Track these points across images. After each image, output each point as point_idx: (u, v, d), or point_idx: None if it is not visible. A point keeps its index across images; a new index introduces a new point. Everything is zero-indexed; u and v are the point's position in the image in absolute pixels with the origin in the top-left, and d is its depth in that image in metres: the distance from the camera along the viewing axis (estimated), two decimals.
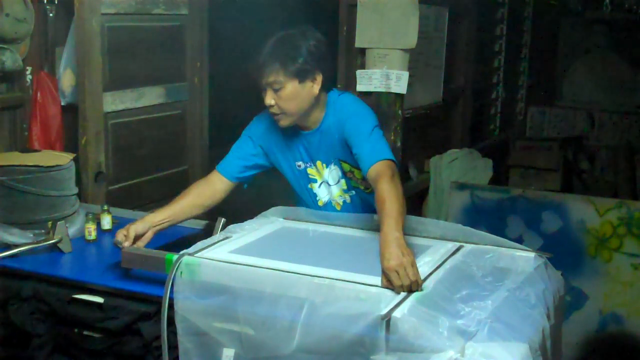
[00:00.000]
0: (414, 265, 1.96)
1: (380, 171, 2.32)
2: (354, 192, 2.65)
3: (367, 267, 2.07)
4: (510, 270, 2.19)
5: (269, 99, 2.46)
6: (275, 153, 2.66)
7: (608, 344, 3.79)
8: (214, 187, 2.65)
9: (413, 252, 2.03)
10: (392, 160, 2.40)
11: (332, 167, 2.62)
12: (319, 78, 2.48)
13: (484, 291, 2.02)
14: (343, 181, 2.64)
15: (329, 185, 2.65)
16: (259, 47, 2.48)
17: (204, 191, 2.65)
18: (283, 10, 5.29)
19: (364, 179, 2.51)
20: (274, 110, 2.48)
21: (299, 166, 2.65)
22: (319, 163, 2.62)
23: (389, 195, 2.20)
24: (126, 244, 2.34)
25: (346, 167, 2.59)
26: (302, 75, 2.44)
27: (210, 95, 4.20)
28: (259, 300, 1.93)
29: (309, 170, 2.64)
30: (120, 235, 2.37)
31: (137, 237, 2.40)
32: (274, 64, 2.41)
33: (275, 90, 2.44)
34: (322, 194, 2.67)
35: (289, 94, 2.44)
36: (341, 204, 2.67)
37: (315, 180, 2.66)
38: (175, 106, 4.00)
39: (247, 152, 2.67)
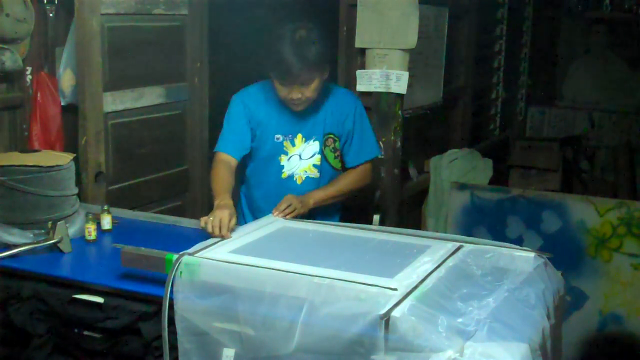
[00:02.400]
0: (294, 209, 2.65)
1: (358, 169, 2.94)
2: (322, 172, 2.91)
3: (367, 267, 2.07)
4: (510, 270, 2.19)
5: (297, 94, 2.74)
6: (263, 125, 2.87)
7: (608, 344, 3.79)
8: (231, 166, 2.83)
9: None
10: (371, 160, 2.97)
11: (312, 142, 2.88)
12: (328, 65, 2.81)
13: (484, 291, 2.03)
14: (318, 157, 2.88)
15: (300, 158, 2.88)
16: (274, 48, 2.71)
17: (230, 172, 2.81)
18: (283, 10, 5.29)
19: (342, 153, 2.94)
20: (299, 101, 2.76)
21: (278, 139, 2.87)
22: (299, 136, 2.87)
23: (343, 182, 2.91)
24: (228, 234, 2.37)
25: (330, 142, 2.89)
26: (323, 69, 2.76)
27: (210, 95, 4.19)
28: (259, 300, 1.93)
29: (285, 143, 2.87)
30: (214, 228, 2.37)
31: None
32: (305, 66, 2.68)
33: (304, 86, 2.72)
34: (288, 167, 2.89)
35: (315, 86, 2.75)
36: (304, 178, 2.90)
37: (286, 153, 2.88)
38: (175, 106, 4.00)
39: (244, 123, 2.87)
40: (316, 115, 2.87)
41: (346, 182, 2.92)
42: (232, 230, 2.41)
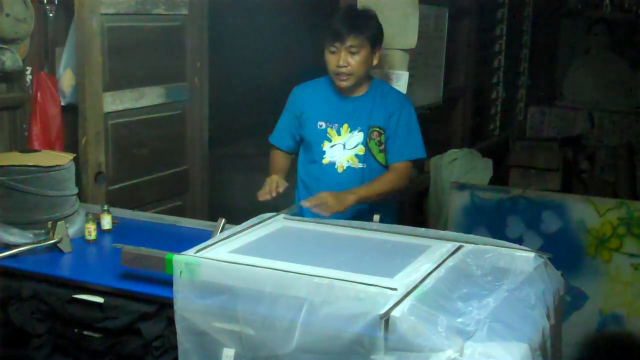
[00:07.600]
0: (330, 207, 2.68)
1: (397, 168, 2.93)
2: (365, 164, 2.93)
3: (367, 267, 2.07)
4: (510, 270, 2.19)
5: (344, 61, 2.82)
6: (306, 113, 2.99)
7: (608, 344, 3.79)
8: (282, 152, 3.12)
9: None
10: (412, 160, 2.97)
11: (357, 132, 2.93)
12: (379, 52, 2.92)
13: (484, 291, 2.02)
14: (361, 147, 2.92)
15: (344, 148, 2.94)
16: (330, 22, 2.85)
17: (282, 156, 3.13)
18: (283, 10, 5.29)
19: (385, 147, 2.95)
20: (346, 70, 2.83)
21: (320, 126, 2.96)
22: (345, 126, 2.94)
23: (383, 180, 2.88)
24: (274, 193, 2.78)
25: (375, 135, 2.93)
26: (374, 43, 2.85)
27: (210, 95, 4.20)
28: (258, 300, 1.93)
29: (329, 130, 2.95)
30: (267, 191, 2.78)
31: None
32: (356, 30, 2.79)
33: (352, 53, 2.81)
34: (331, 154, 2.96)
35: (363, 57, 2.83)
36: (345, 167, 2.94)
37: (330, 140, 2.96)
38: (175, 106, 4.00)
39: (289, 115, 3.06)
40: (363, 106, 2.93)
41: (386, 181, 2.90)
42: (283, 188, 2.82)
